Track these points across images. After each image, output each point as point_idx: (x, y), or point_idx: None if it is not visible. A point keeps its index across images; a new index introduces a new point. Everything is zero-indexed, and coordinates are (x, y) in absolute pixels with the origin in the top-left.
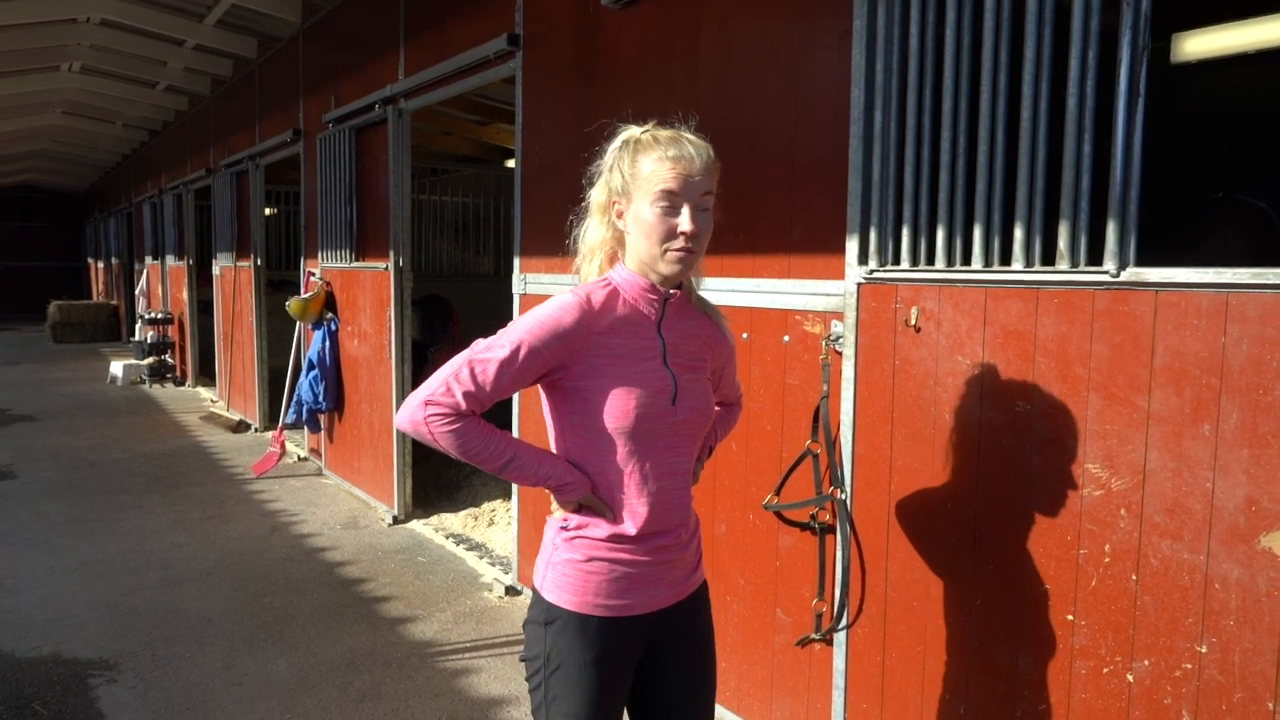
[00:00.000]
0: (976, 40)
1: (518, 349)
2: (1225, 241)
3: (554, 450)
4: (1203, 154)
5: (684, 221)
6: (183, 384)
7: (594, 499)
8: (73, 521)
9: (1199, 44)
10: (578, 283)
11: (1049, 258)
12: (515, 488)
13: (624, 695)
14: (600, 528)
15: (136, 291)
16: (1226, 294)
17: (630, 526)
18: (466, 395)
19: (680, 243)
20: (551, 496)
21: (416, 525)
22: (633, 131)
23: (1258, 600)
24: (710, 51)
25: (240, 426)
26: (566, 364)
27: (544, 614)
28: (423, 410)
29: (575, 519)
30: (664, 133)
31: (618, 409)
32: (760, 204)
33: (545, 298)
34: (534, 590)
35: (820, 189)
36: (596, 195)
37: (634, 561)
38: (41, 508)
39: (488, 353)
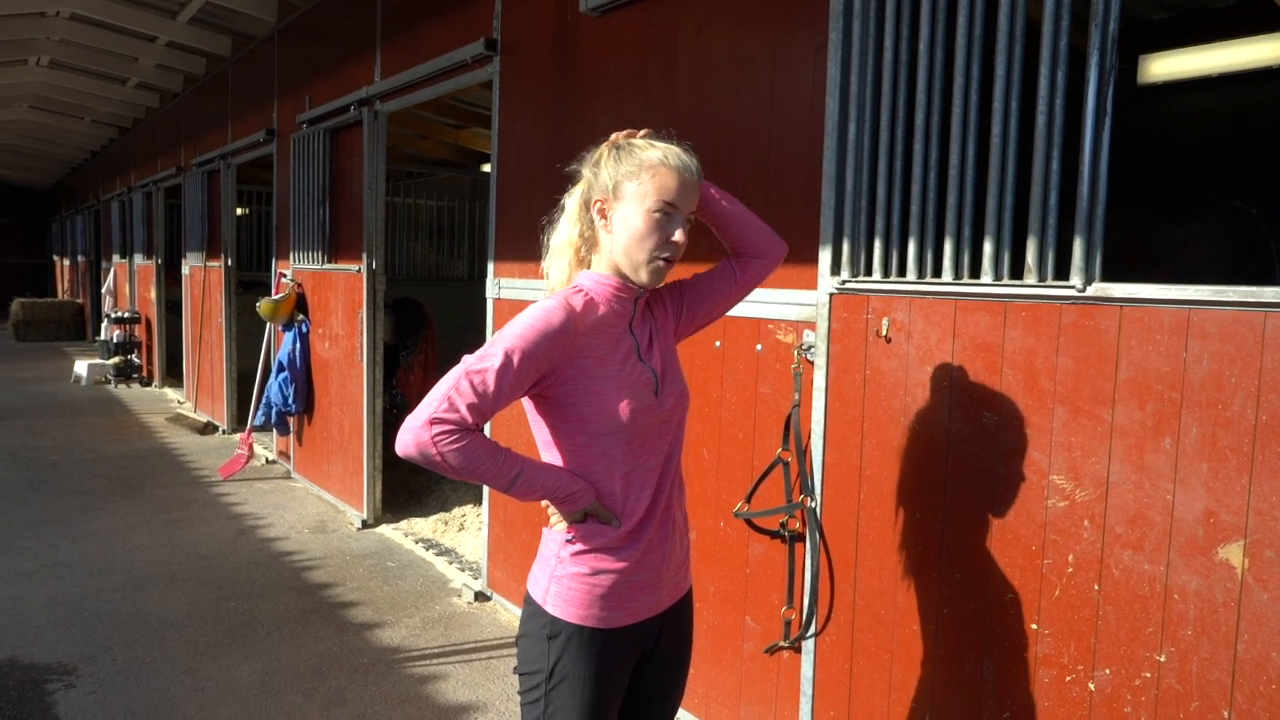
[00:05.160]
0: (949, 56)
1: (511, 355)
2: (1216, 243)
3: None
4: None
5: (679, 234)
6: (149, 384)
7: (599, 507)
8: (33, 524)
9: (1165, 66)
10: (546, 283)
11: (1017, 272)
12: (486, 492)
13: (620, 703)
14: (605, 537)
15: (103, 290)
16: (1188, 310)
17: (633, 528)
18: (470, 408)
19: (669, 253)
20: (551, 509)
21: (386, 530)
22: (619, 135)
23: (1214, 611)
24: (688, 61)
25: (207, 428)
26: (556, 368)
27: (547, 628)
28: (429, 430)
29: (580, 530)
30: (662, 143)
31: (609, 409)
32: None
33: (519, 302)
34: (532, 603)
35: (794, 199)
36: (574, 195)
37: (637, 568)
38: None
39: (482, 363)
